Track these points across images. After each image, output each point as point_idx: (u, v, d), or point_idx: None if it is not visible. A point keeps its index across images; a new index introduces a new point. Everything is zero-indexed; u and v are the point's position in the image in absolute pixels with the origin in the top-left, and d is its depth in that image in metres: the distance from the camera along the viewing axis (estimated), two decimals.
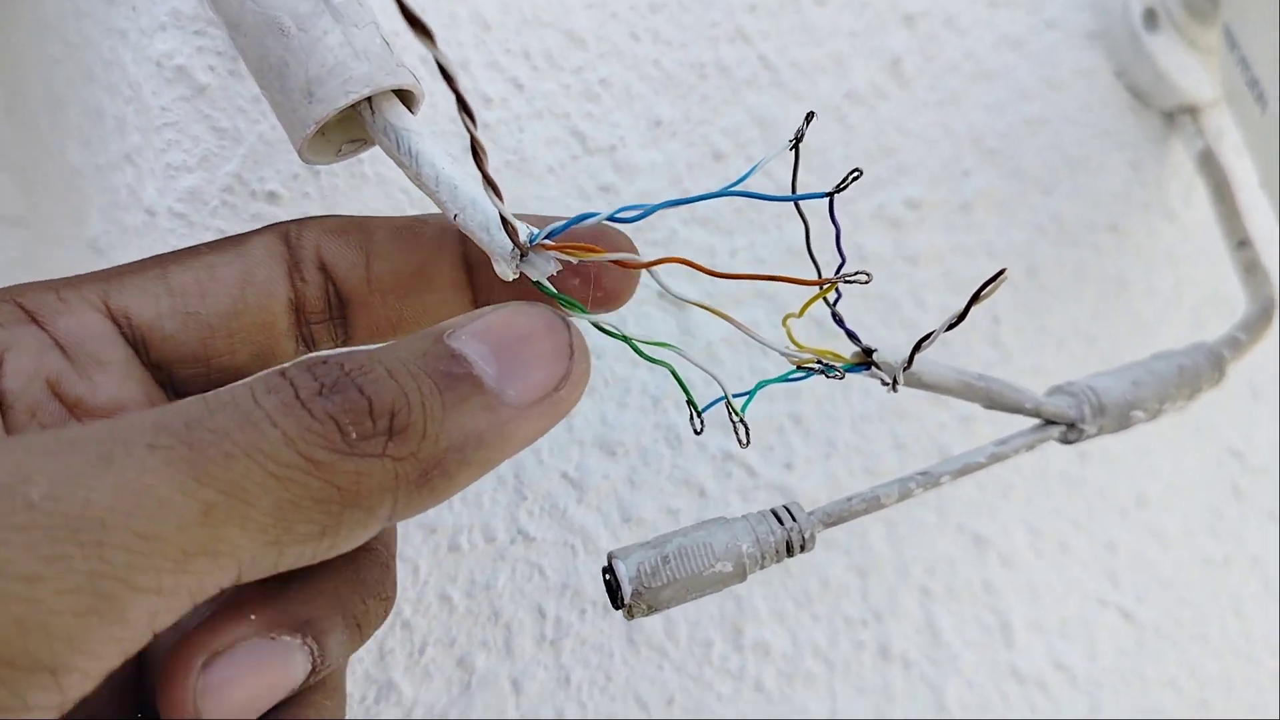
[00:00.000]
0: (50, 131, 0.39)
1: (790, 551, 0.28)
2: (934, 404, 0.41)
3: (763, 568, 0.27)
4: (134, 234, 0.31)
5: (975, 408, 0.42)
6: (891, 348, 0.28)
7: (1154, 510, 0.47)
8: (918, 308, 0.41)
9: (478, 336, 0.19)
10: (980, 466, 0.31)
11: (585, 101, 0.35)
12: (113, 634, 0.15)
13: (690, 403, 0.27)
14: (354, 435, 0.17)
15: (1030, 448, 0.32)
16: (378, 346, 0.19)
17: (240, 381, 0.18)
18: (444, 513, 0.32)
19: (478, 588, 0.33)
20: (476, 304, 0.25)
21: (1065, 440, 0.33)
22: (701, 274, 0.25)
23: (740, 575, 0.27)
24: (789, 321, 0.28)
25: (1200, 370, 0.35)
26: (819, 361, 0.26)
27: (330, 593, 0.20)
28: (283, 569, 0.17)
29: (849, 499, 0.29)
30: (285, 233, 0.24)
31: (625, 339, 0.26)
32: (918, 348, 0.26)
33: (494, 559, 0.33)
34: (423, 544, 0.32)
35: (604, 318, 0.25)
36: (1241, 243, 0.43)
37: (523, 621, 0.33)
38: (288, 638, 0.19)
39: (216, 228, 0.30)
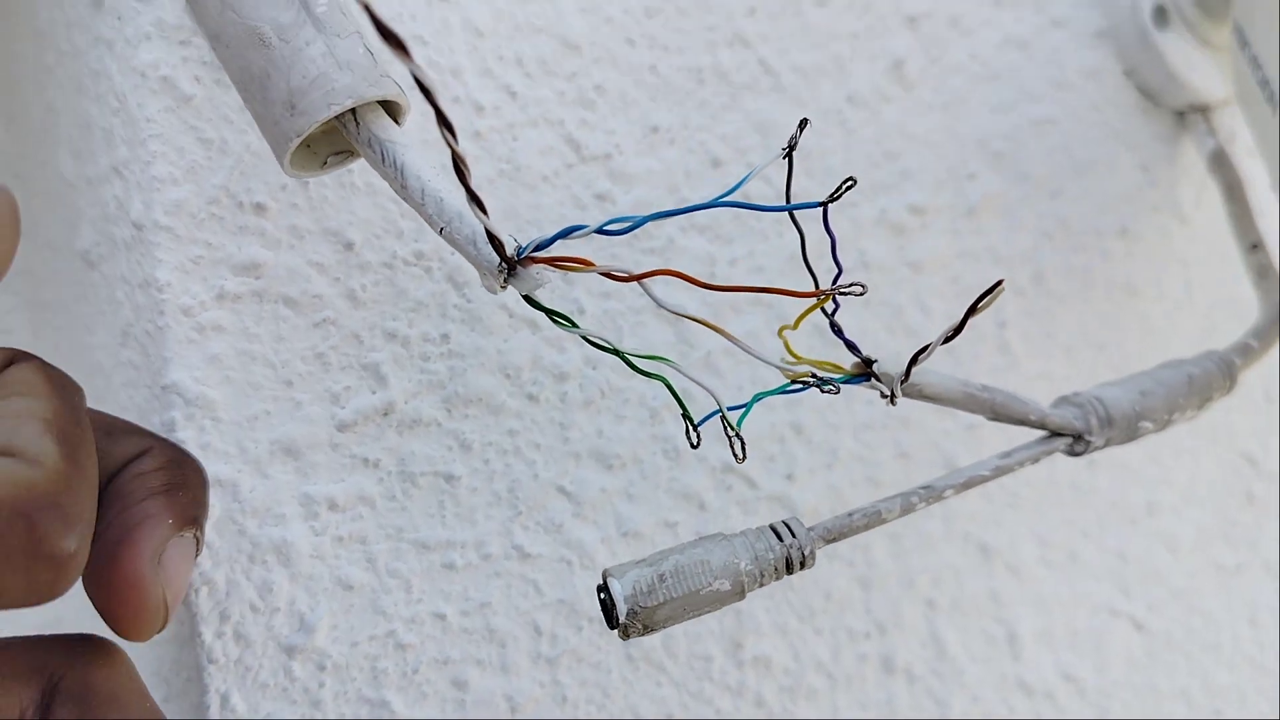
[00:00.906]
0: (44, 141, 0.38)
1: (790, 569, 0.27)
2: (939, 412, 0.40)
3: (762, 585, 0.27)
4: (123, 247, 0.31)
5: (976, 416, 0.42)
6: (893, 356, 0.27)
7: (1166, 518, 0.46)
8: (922, 315, 0.40)
9: None
10: (984, 480, 0.31)
11: (580, 108, 0.34)
12: None
13: (686, 416, 0.27)
14: None
15: (1036, 460, 0.31)
16: None
17: None
18: (437, 529, 0.32)
19: (472, 605, 0.32)
20: None
21: (1072, 452, 0.32)
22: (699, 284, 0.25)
23: (739, 594, 0.26)
24: (785, 333, 0.27)
25: (1211, 379, 0.34)
26: (814, 375, 0.26)
27: (198, 490, 0.26)
28: None
29: (850, 514, 0.29)
30: None
31: (617, 352, 0.25)
32: (914, 360, 0.26)
33: (489, 576, 0.33)
34: (416, 561, 0.32)
35: (594, 331, 0.25)
36: (1254, 246, 0.42)
37: (518, 638, 0.33)
38: (187, 533, 0.24)
39: (203, 240, 0.30)
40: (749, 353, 0.25)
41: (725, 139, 0.36)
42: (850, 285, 0.26)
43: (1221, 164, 0.45)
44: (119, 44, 0.30)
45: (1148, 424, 0.32)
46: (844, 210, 0.39)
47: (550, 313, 0.25)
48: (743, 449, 0.27)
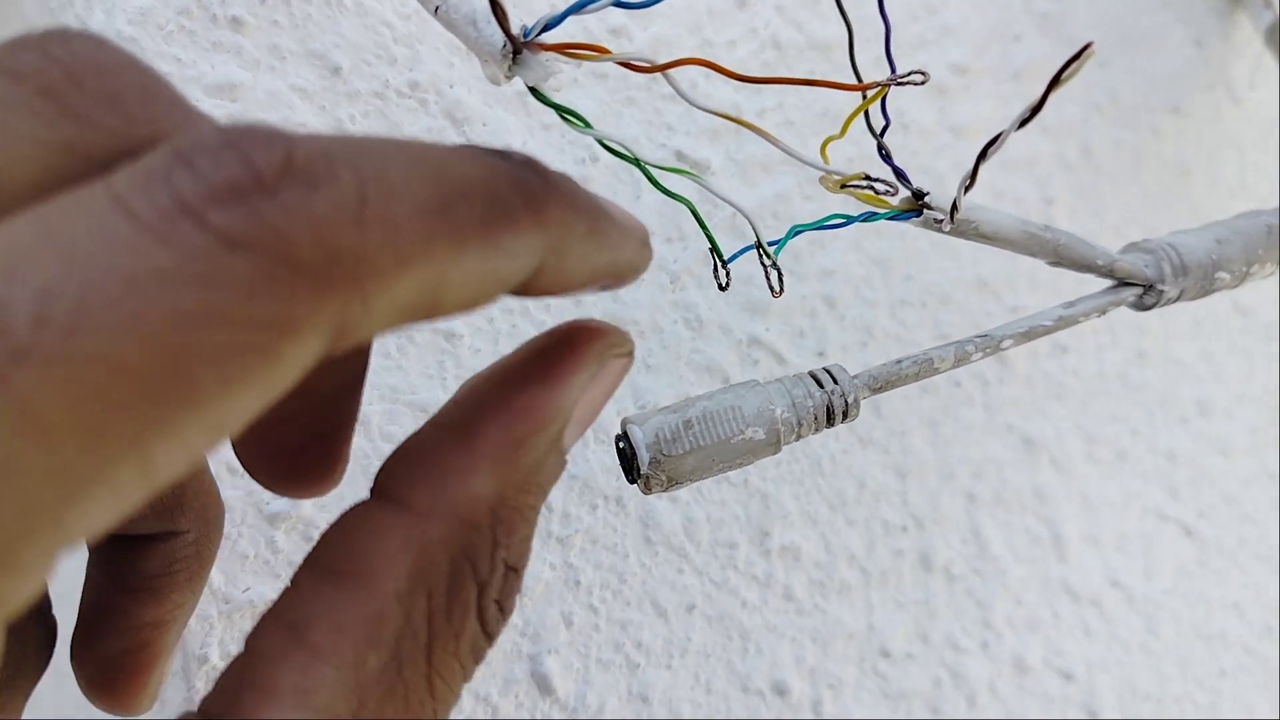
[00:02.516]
0: None
1: (831, 419, 0.24)
2: (980, 291, 0.37)
3: (799, 437, 0.23)
4: None
5: (1026, 295, 0.39)
6: (947, 196, 0.24)
7: (1218, 419, 0.43)
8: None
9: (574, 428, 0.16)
10: (1046, 330, 0.27)
11: None
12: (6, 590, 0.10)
13: (714, 249, 0.23)
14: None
15: (1102, 311, 0.28)
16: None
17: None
18: (436, 390, 0.29)
19: None
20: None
21: (1141, 305, 0.29)
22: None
23: (774, 444, 0.23)
24: (829, 146, 0.24)
25: None
26: (866, 178, 0.23)
27: None
28: None
29: (898, 362, 0.25)
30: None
31: (636, 162, 0.22)
32: (983, 155, 0.23)
33: None
34: (412, 424, 0.28)
35: (607, 135, 0.21)
36: None
37: None
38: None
39: (172, 55, 0.26)
40: (790, 154, 0.22)
41: None
42: (909, 74, 0.23)
43: (1279, 38, 0.42)
44: None
45: (1224, 275, 0.29)
46: (879, 65, 0.36)
47: (561, 109, 0.22)
48: (780, 282, 0.24)
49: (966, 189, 0.23)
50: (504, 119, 0.30)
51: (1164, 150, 0.42)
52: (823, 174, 0.23)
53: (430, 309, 0.12)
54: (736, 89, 0.33)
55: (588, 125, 0.22)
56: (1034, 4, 0.39)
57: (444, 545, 0.14)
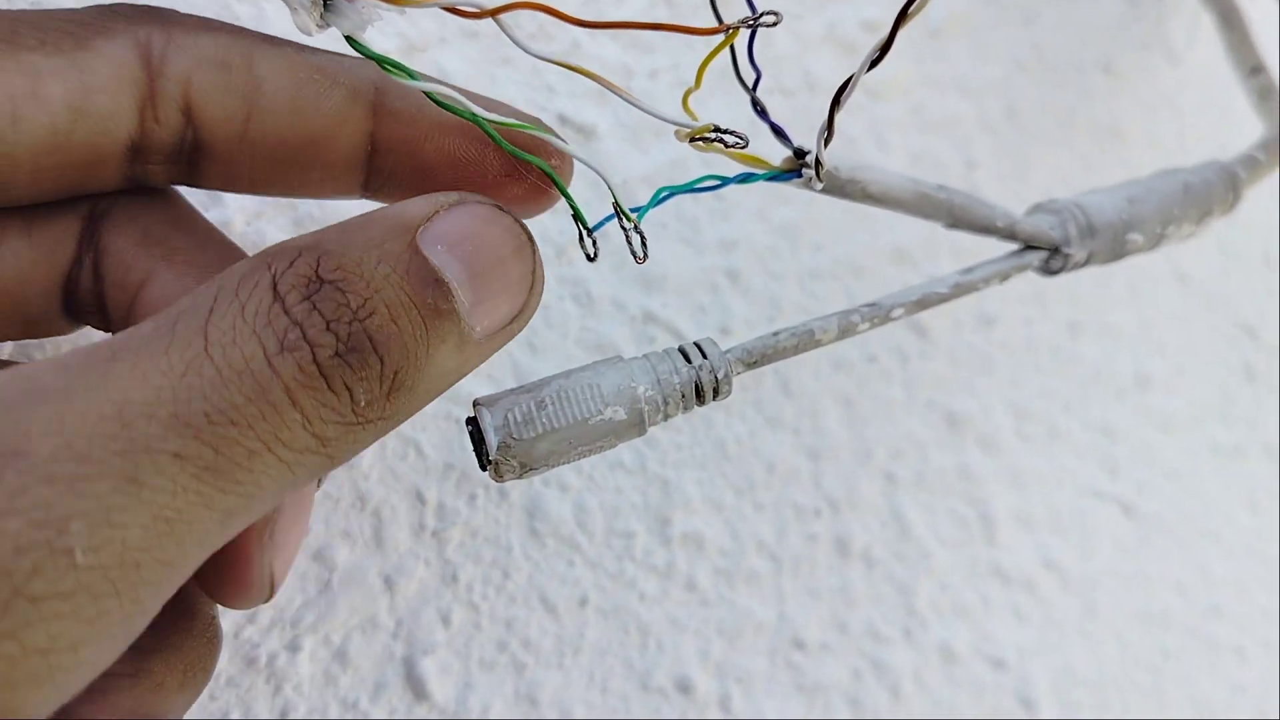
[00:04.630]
0: None
1: (701, 397, 0.22)
2: (898, 261, 0.35)
3: (666, 417, 0.21)
4: None
5: (947, 262, 0.37)
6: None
7: (1157, 392, 0.42)
8: (879, 148, 0.35)
9: (454, 250, 0.17)
10: (941, 298, 0.25)
11: None
12: (136, 628, 0.14)
13: (577, 216, 0.21)
14: (363, 404, 0.15)
15: (1003, 277, 0.26)
16: (339, 232, 0.16)
17: (228, 303, 0.15)
18: None
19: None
20: (368, 189, 0.20)
21: (1047, 270, 0.27)
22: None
23: (637, 425, 0.21)
24: (689, 98, 0.22)
25: (1211, 190, 0.29)
26: (716, 130, 0.21)
27: (171, 673, 0.19)
28: None
29: (775, 334, 0.23)
30: (146, 48, 0.18)
31: (474, 118, 0.20)
32: (836, 102, 0.21)
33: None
34: None
35: (437, 86, 0.19)
36: (1255, 69, 0.37)
37: (395, 508, 0.28)
38: None
39: None
40: (636, 105, 0.20)
41: None
42: (761, 15, 0.21)
43: None
44: None
45: (1136, 236, 0.27)
46: (786, 23, 0.34)
47: (383, 60, 0.19)
48: (643, 246, 0.21)
49: (825, 141, 0.21)
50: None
51: (1095, 111, 0.40)
52: (675, 128, 0.21)
53: None
54: (625, 48, 0.31)
55: (412, 75, 0.20)
56: None
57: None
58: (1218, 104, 0.43)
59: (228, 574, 0.19)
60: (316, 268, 0.15)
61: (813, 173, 0.22)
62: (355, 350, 0.15)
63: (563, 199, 0.21)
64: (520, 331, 0.18)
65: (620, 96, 0.20)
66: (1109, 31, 0.41)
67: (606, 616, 0.30)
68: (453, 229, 0.17)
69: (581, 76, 0.20)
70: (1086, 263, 0.27)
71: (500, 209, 0.18)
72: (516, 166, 0.20)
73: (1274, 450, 0.45)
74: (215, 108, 0.18)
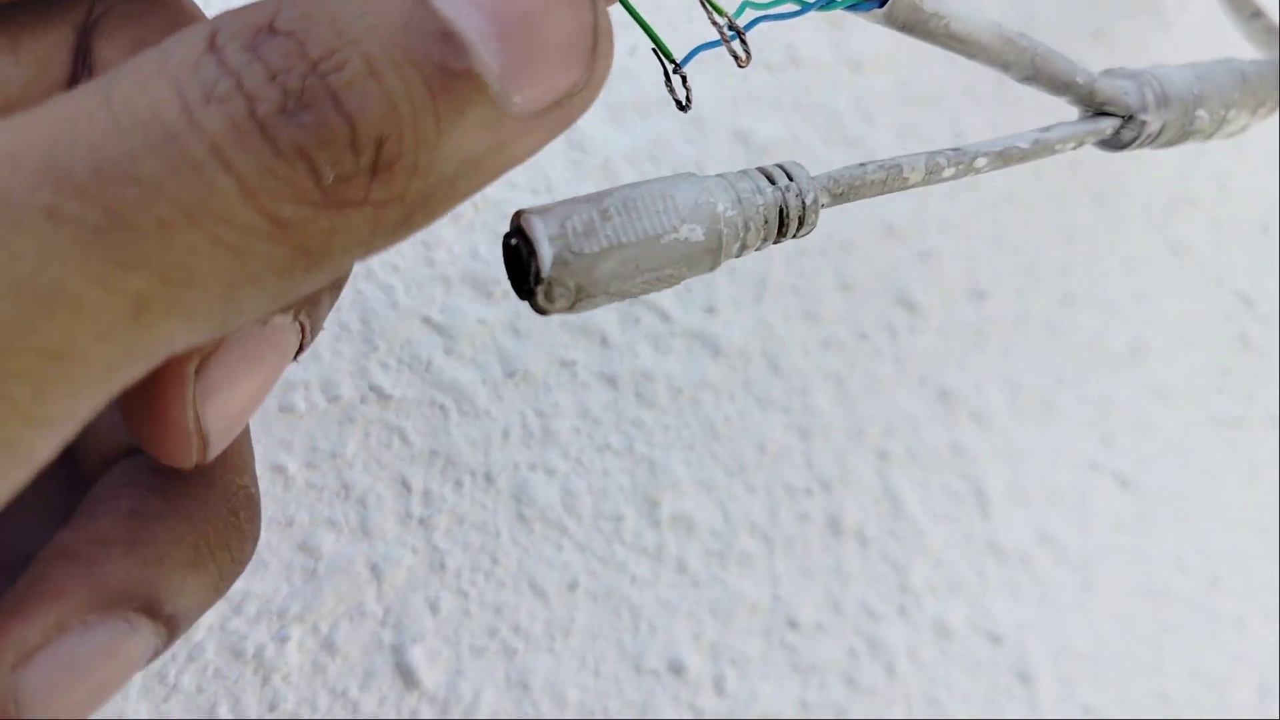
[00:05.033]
0: None
1: (784, 227, 0.18)
2: (887, 237, 0.35)
3: (743, 248, 0.18)
4: None
5: (934, 241, 0.36)
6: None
7: (1153, 364, 0.41)
8: (864, 122, 0.35)
9: (475, 3, 0.13)
10: (1021, 154, 0.23)
11: None
12: (14, 479, 0.11)
13: (658, 48, 0.17)
14: (331, 178, 0.12)
15: (1080, 142, 0.25)
16: None
17: (148, 67, 0.12)
18: None
19: (320, 456, 0.27)
20: None
21: (1117, 140, 0.25)
22: None
23: (713, 250, 0.17)
24: None
25: (1267, 82, 0.28)
26: None
27: (179, 546, 0.16)
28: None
29: (862, 165, 0.21)
30: None
31: None
32: None
33: (340, 421, 0.27)
34: None
35: None
36: (1254, 14, 0.36)
37: (381, 495, 0.28)
38: (280, 318, 0.16)
39: None
40: None
41: None
42: None
43: None
44: None
45: (1203, 114, 0.26)
46: None
47: None
48: (745, 49, 0.18)
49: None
50: None
51: None
52: None
53: None
54: None
55: None
56: None
57: None
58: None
59: (146, 412, 0.15)
60: (272, 19, 0.12)
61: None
62: (309, 107, 0.12)
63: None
64: (587, 108, 0.14)
65: None
66: None
67: (597, 600, 0.30)
68: None
69: None
70: (1158, 136, 0.26)
71: None
72: None
73: (1273, 420, 0.44)
74: None
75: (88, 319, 0.11)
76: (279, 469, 0.26)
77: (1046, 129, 0.24)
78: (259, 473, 0.26)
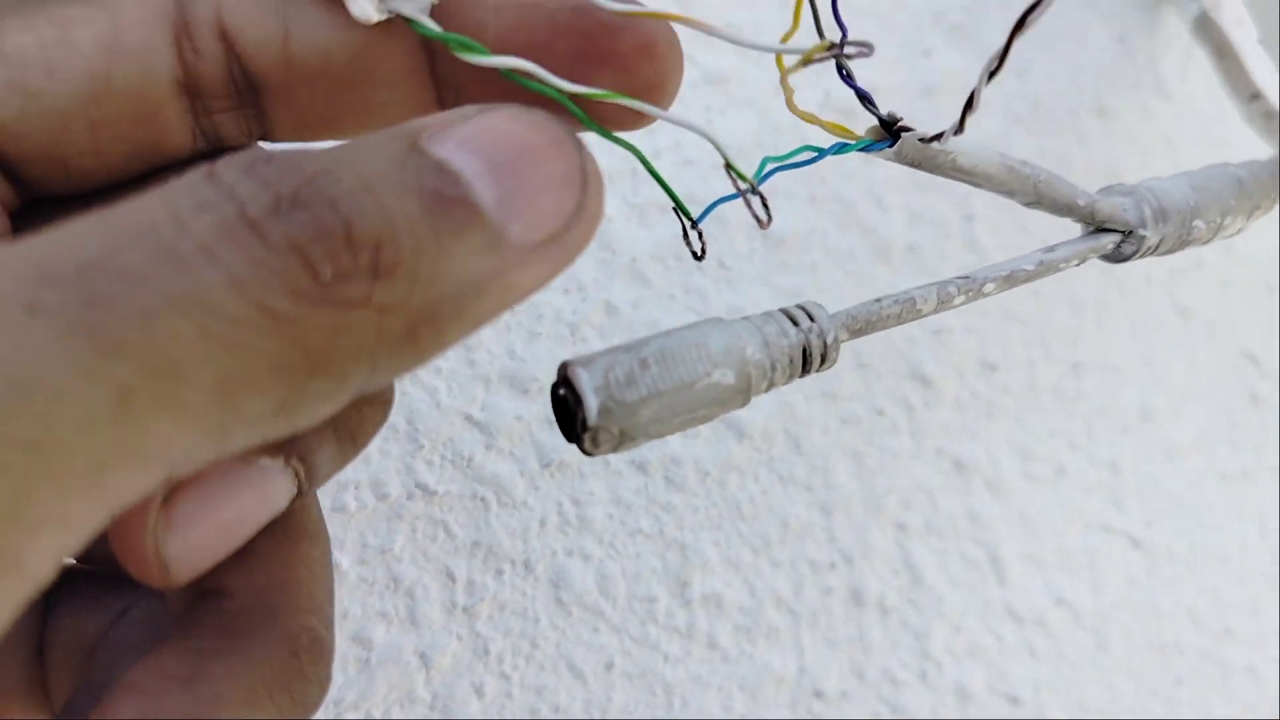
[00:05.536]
0: None
1: (808, 363, 0.20)
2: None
3: (771, 385, 0.20)
4: None
5: (946, 317, 0.38)
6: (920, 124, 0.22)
7: (1161, 424, 0.42)
8: (877, 209, 0.36)
9: (466, 145, 0.13)
10: (1028, 276, 0.25)
11: None
12: (5, 588, 0.11)
13: (678, 208, 0.19)
14: (329, 274, 0.12)
15: (1082, 259, 0.26)
16: (328, 147, 0.13)
17: (148, 193, 0.12)
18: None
19: (371, 552, 0.29)
20: (443, 105, 0.18)
21: (1118, 254, 0.27)
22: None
23: (744, 390, 0.19)
24: (787, 78, 0.20)
25: (1261, 185, 0.30)
26: (832, 46, 0.19)
27: (234, 685, 0.16)
28: (225, 457, 0.13)
29: (878, 300, 0.22)
30: None
31: (560, 95, 0.16)
32: (967, 109, 0.20)
33: (388, 518, 0.29)
34: None
35: (512, 62, 0.17)
36: (1254, 95, 0.38)
37: (428, 587, 0.29)
38: (267, 460, 0.16)
39: None
40: (741, 43, 0.18)
41: None
42: (860, 44, 0.19)
43: (1207, 28, 0.41)
44: None
45: (1200, 224, 0.28)
46: (778, 92, 0.35)
47: (447, 38, 0.17)
48: (766, 210, 0.19)
49: (958, 131, 0.21)
50: None
51: (1092, 154, 0.41)
52: (777, 53, 0.20)
53: None
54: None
55: (483, 51, 0.17)
56: (944, 16, 0.38)
57: None
58: (1212, 136, 0.44)
59: (114, 525, 0.15)
60: (271, 155, 0.12)
61: (905, 138, 0.22)
62: (303, 206, 0.12)
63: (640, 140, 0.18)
64: (587, 242, 0.15)
65: (722, 37, 0.18)
66: (1101, 74, 0.42)
67: (632, 679, 0.32)
68: (467, 129, 0.14)
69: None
70: (1157, 248, 0.27)
71: (530, 110, 0.15)
72: (594, 48, 0.17)
73: None
74: (251, 28, 0.17)
75: (68, 409, 0.10)
76: (333, 565, 0.28)
77: (1050, 249, 0.25)
78: None
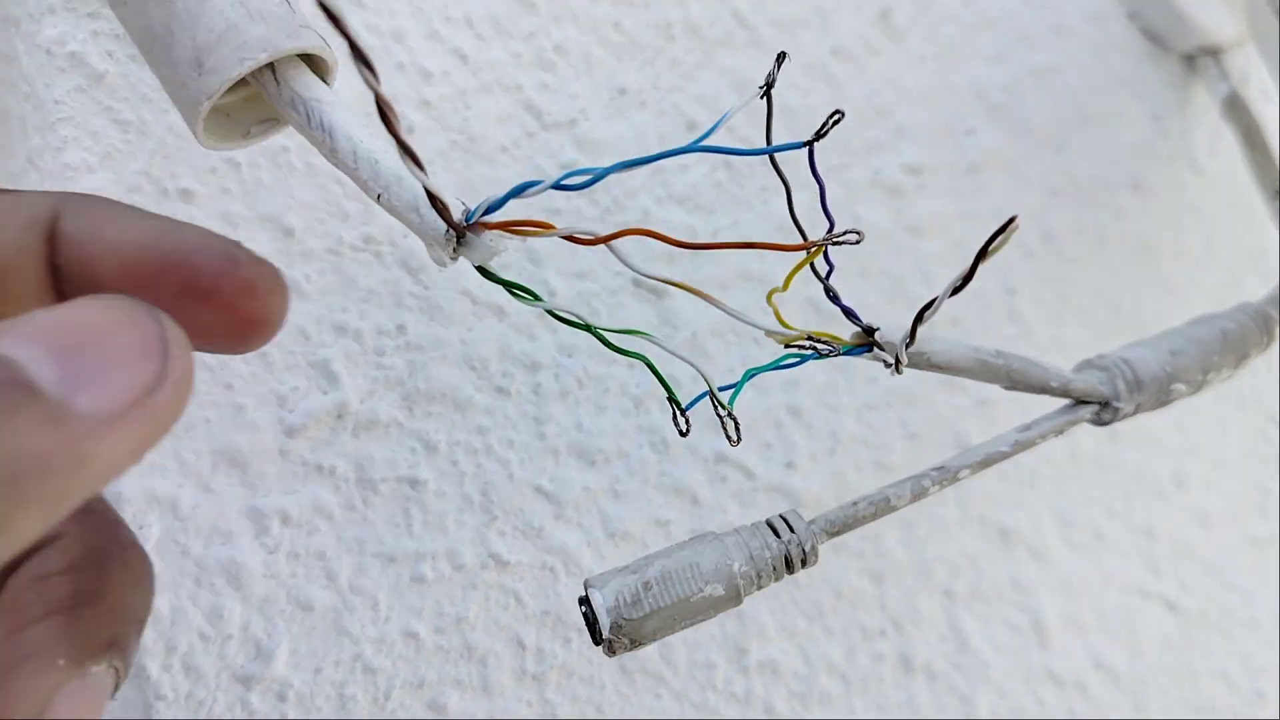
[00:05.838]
0: None
1: (790, 568, 0.24)
2: (947, 387, 0.38)
3: (760, 588, 0.24)
4: None
5: (990, 389, 0.39)
6: (896, 326, 0.25)
7: (1195, 491, 0.43)
8: (924, 283, 0.37)
9: (28, 338, 0.14)
10: (1003, 456, 0.28)
11: (539, 71, 0.31)
12: None
13: (671, 399, 0.24)
14: None
15: (1059, 432, 0.28)
16: None
17: None
18: (404, 539, 0.29)
19: (447, 621, 0.29)
20: (62, 297, 0.19)
21: (1099, 421, 0.29)
22: (680, 250, 0.22)
23: (734, 598, 0.23)
24: (775, 298, 0.24)
25: (1247, 333, 0.31)
26: (809, 339, 0.23)
27: (121, 603, 0.18)
28: None
29: (854, 503, 0.26)
30: None
31: (589, 328, 0.22)
32: (919, 318, 0.23)
33: (464, 588, 0.30)
34: (381, 576, 0.29)
35: (558, 307, 0.22)
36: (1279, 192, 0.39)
37: (500, 655, 0.30)
38: (97, 668, 0.17)
39: None
40: (735, 316, 0.23)
41: (700, 100, 0.33)
42: (844, 234, 0.23)
43: (1237, 108, 0.42)
44: (25, 21, 0.27)
45: (1180, 386, 0.29)
46: (835, 173, 0.36)
47: (509, 285, 0.22)
48: (736, 430, 0.24)
49: (907, 347, 0.23)
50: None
51: (1126, 227, 0.43)
52: (766, 332, 0.23)
53: None
54: (690, 211, 0.34)
55: (538, 299, 0.22)
56: (986, 96, 0.39)
57: None
58: (1241, 204, 0.45)
59: None
60: None
61: (883, 352, 0.25)
62: None
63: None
64: (181, 404, 0.16)
65: (718, 308, 0.22)
66: (1135, 150, 0.43)
67: None
68: (34, 321, 0.15)
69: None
70: (1135, 413, 0.29)
71: (112, 296, 0.16)
72: (200, 284, 0.18)
73: None
74: None
75: None
76: (411, 634, 0.29)
77: (1025, 427, 0.27)
78: (395, 639, 0.28)
